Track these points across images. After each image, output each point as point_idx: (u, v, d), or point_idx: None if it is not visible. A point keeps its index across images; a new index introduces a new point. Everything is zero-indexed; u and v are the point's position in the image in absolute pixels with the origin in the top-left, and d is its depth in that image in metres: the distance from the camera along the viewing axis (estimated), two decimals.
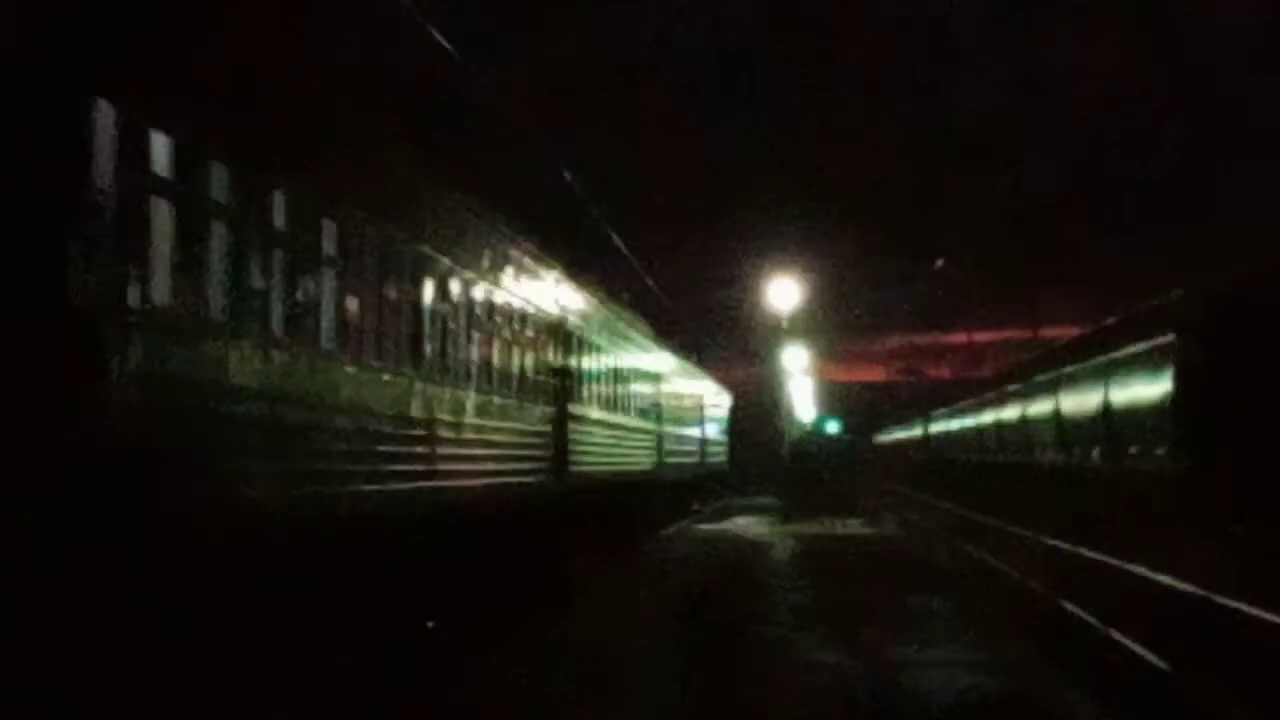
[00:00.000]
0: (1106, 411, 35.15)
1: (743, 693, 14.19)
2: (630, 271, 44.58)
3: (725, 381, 70.24)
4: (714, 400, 63.56)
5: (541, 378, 24.53)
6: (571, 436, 26.97)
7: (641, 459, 38.71)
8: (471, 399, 19.55)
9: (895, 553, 31.52)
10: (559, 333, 26.20)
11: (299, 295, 12.99)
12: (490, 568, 20.31)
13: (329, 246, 13.86)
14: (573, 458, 27.08)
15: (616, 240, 40.52)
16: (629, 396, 36.32)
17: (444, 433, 17.88)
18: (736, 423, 73.51)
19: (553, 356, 25.60)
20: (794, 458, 54.59)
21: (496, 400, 21.04)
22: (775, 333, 57.54)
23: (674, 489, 47.19)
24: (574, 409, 27.44)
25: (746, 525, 43.32)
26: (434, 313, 17.49)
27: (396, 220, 16.02)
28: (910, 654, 16.30)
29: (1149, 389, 31.71)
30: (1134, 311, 35.39)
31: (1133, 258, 52.89)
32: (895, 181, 64.20)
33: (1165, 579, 23.17)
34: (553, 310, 25.73)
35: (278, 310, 12.46)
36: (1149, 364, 31.82)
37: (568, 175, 33.68)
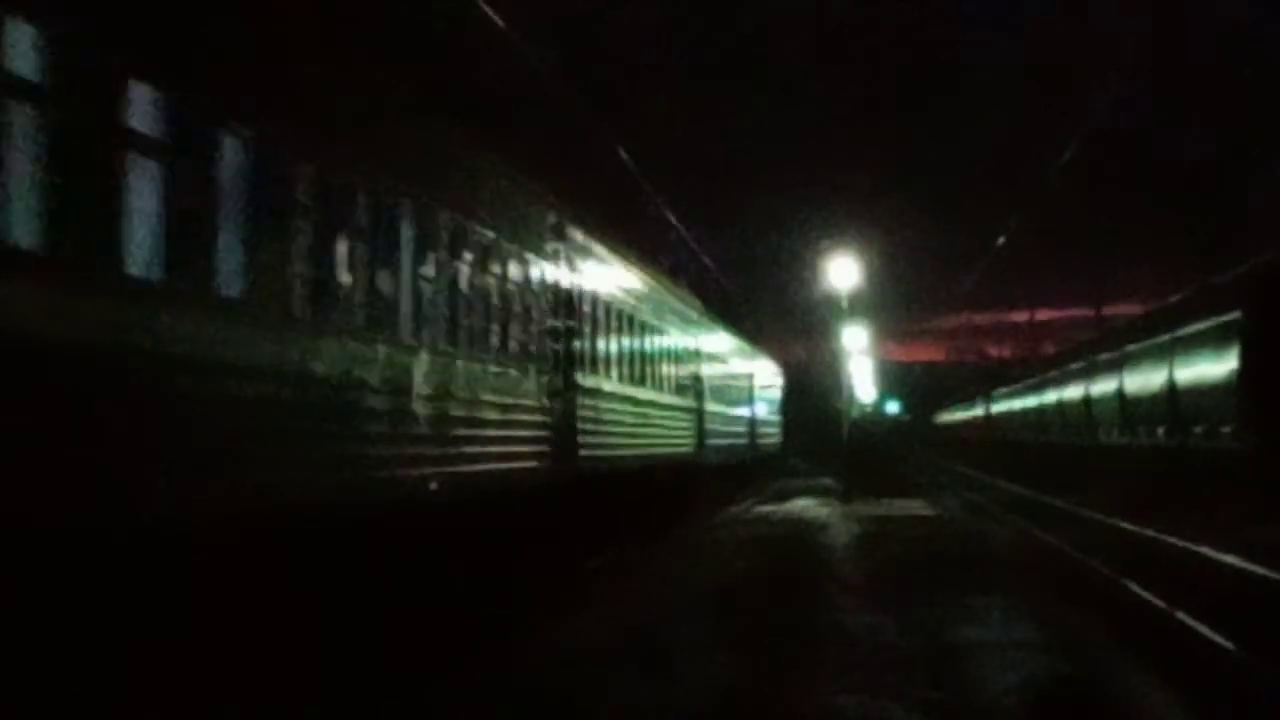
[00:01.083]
0: (1171, 390, 34.77)
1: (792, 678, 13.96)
2: (689, 252, 44.42)
3: (781, 360, 68.14)
4: (767, 379, 59.69)
5: (536, 340, 20.18)
6: (582, 413, 22.86)
7: (678, 440, 34.79)
8: (420, 360, 15.23)
9: (957, 534, 31.19)
10: (558, 290, 21.69)
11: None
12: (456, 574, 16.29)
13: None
14: (584, 438, 22.94)
15: (672, 218, 40.33)
16: (662, 370, 32.31)
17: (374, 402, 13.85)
18: (792, 403, 70.69)
19: (553, 317, 21.17)
20: (854, 438, 54.22)
21: (462, 364, 16.69)
22: (835, 311, 57.13)
23: (720, 473, 42.99)
24: (583, 380, 23.22)
25: (805, 508, 42.99)
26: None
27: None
28: (972, 635, 16.04)
29: (1214, 367, 31.34)
30: (1199, 288, 34.98)
31: (1198, 234, 52.38)
32: (957, 158, 63.80)
33: (1231, 559, 22.82)
34: (548, 260, 21.13)
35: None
36: (1214, 341, 31.44)
37: (624, 154, 33.51)
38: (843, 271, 47.84)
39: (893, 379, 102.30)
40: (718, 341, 43.36)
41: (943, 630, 16.36)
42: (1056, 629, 16.75)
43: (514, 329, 18.98)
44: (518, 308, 19.25)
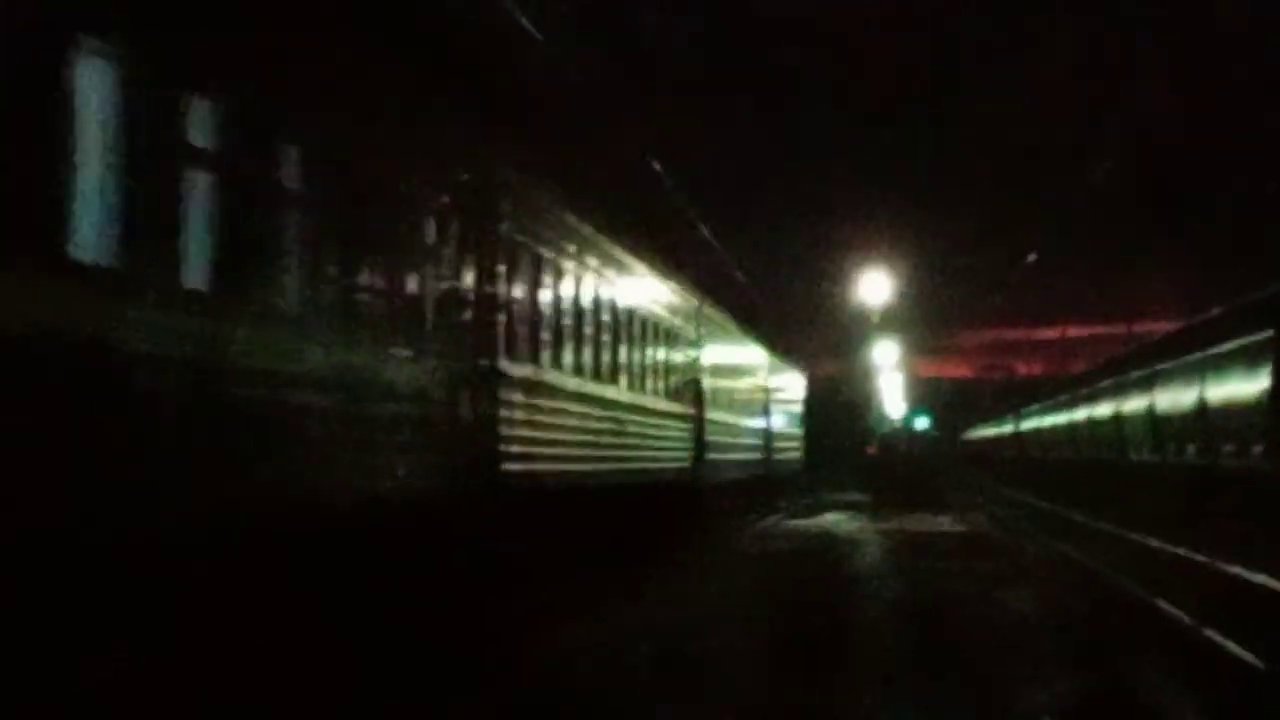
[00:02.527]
0: (1202, 409, 34.71)
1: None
2: (718, 262, 44.30)
3: (807, 372, 65.30)
4: (789, 389, 55.16)
5: (435, 311, 14.94)
6: (508, 413, 17.40)
7: (668, 452, 29.37)
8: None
9: (987, 551, 31.19)
10: (474, 240, 16.25)
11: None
12: None
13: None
14: (511, 446, 17.54)
15: (705, 232, 40.34)
16: (645, 368, 26.90)
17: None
18: (816, 417, 67.37)
19: (467, 282, 15.98)
20: (883, 454, 54.15)
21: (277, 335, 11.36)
22: (865, 326, 57.07)
23: (725, 494, 37.60)
24: (513, 369, 17.77)
25: (835, 522, 42.97)
26: None
27: None
28: (1004, 655, 16.07)
29: (1245, 386, 31.27)
30: (1231, 306, 34.94)
31: (1230, 251, 52.30)
32: (988, 174, 63.77)
33: (1262, 579, 22.79)
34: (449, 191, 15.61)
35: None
36: (1246, 360, 31.37)
37: (657, 165, 33.55)
38: (874, 286, 47.94)
39: (922, 395, 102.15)
40: (727, 343, 38.55)
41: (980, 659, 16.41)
42: (1086, 644, 16.78)
43: (384, 292, 13.64)
44: (390, 264, 13.79)
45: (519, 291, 18.36)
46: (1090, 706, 13.43)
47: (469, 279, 16.01)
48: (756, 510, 44.10)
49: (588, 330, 22.28)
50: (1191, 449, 36.18)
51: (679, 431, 30.85)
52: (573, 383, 21.19)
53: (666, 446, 29.39)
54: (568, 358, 20.91)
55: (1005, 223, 62.18)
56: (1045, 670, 15.01)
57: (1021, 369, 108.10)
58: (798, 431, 59.44)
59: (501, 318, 17.45)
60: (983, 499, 60.99)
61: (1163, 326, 54.31)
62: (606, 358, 23.55)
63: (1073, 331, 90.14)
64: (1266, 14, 39.60)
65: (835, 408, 75.64)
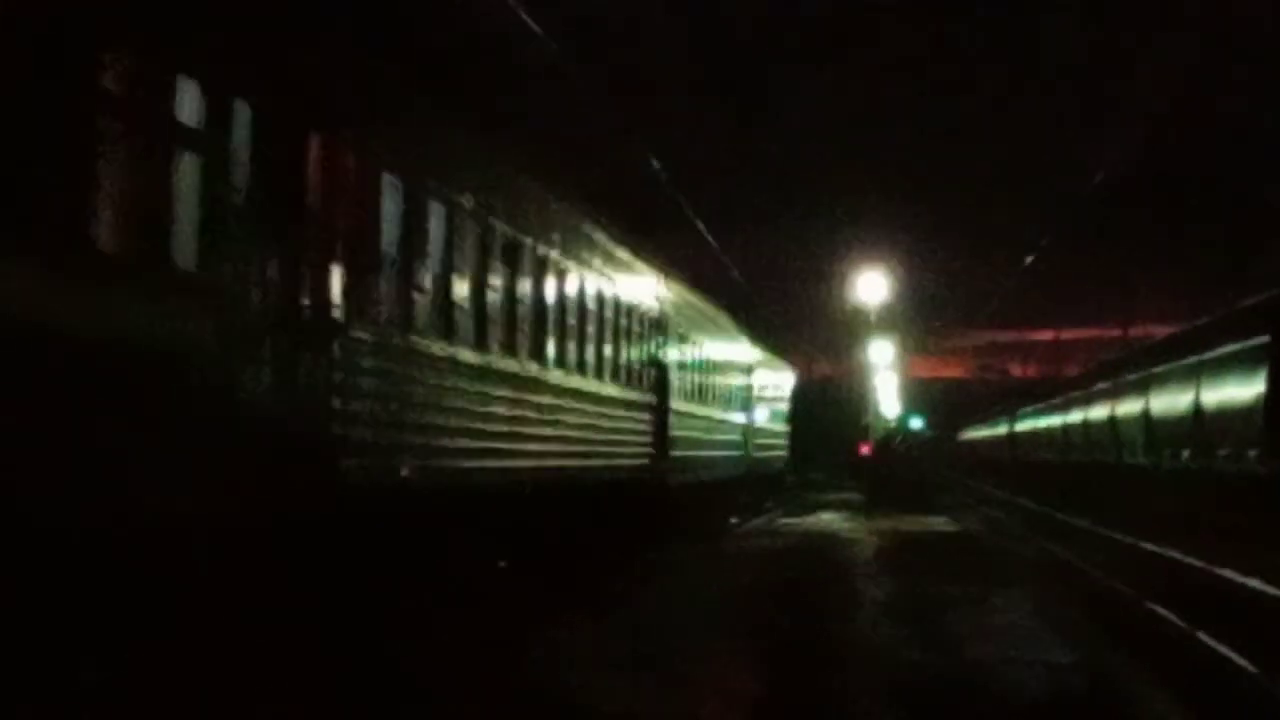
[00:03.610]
0: (1197, 412, 34.74)
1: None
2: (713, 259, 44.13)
3: (797, 368, 64.23)
4: (773, 384, 51.77)
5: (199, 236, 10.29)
6: (350, 380, 12.85)
7: (622, 447, 25.09)
8: None
9: (980, 550, 31.20)
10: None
11: None
12: None
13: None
14: (352, 428, 12.90)
15: (701, 227, 40.29)
16: (582, 341, 22.28)
17: None
18: (805, 415, 65.67)
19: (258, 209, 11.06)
20: (878, 454, 54.17)
21: None
22: (861, 326, 57.06)
23: (695, 495, 33.41)
24: (360, 331, 13.18)
25: (826, 523, 42.95)
26: None
27: None
28: (993, 652, 16.07)
29: (1241, 390, 31.31)
30: (1227, 311, 34.97)
31: (1226, 256, 52.32)
32: (986, 176, 63.76)
33: (1255, 583, 22.81)
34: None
35: None
36: (1242, 364, 31.42)
37: (655, 163, 33.55)
38: (871, 286, 47.91)
39: (916, 395, 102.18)
40: (700, 327, 34.56)
41: (963, 646, 16.41)
42: (1077, 646, 16.78)
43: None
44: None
45: (378, 222, 13.47)
46: (1085, 709, 13.45)
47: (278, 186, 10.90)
48: (736, 513, 40.91)
49: (495, 288, 17.61)
50: (1186, 452, 36.20)
51: (635, 423, 26.25)
52: (470, 356, 16.71)
53: (618, 440, 24.58)
54: (464, 322, 16.46)
55: (1002, 225, 62.20)
56: (1037, 672, 15.00)
57: (1016, 371, 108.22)
58: (783, 429, 55.92)
59: (340, 250, 12.33)
60: (975, 500, 60.98)
61: (1159, 330, 54.33)
62: (527, 328, 19.00)
63: (1068, 334, 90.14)
64: (1266, 14, 39.62)
65: (827, 406, 75.57)
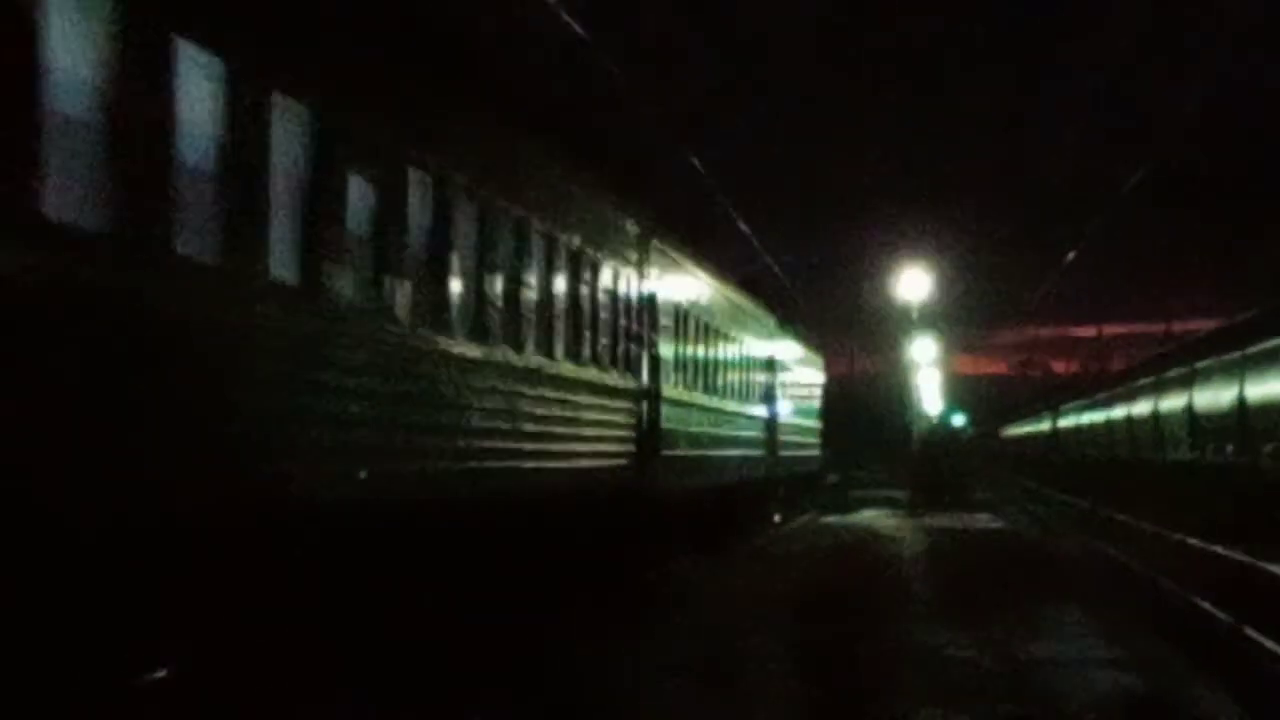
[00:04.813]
0: (1241, 407, 34.71)
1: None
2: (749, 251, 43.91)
3: (833, 362, 60.26)
4: (803, 375, 46.77)
5: None
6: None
7: (591, 446, 19.77)
8: None
9: (1024, 547, 31.26)
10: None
11: None
12: None
13: None
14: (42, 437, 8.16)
15: (743, 226, 40.34)
16: (538, 309, 17.38)
17: None
18: (842, 411, 62.95)
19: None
20: (921, 451, 54.20)
21: None
22: (903, 323, 56.99)
23: (697, 504, 28.18)
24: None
25: (871, 519, 42.94)
26: None
27: None
28: (1041, 650, 16.16)
29: None
30: (1271, 306, 34.92)
31: (1271, 250, 52.21)
32: (1027, 172, 63.73)
33: None
34: None
35: None
36: None
37: (695, 161, 33.64)
38: (913, 282, 47.87)
39: (959, 392, 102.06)
40: (703, 300, 28.97)
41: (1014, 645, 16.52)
42: (1125, 643, 16.86)
43: None
44: None
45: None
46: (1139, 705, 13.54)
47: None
48: (759, 521, 36.53)
49: (383, 225, 12.87)
50: (1230, 448, 36.18)
51: (611, 414, 20.98)
52: (373, 327, 12.54)
53: (586, 435, 19.50)
54: (337, 273, 11.90)
55: (1045, 221, 62.16)
56: (1089, 670, 15.10)
57: (1058, 367, 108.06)
58: (815, 424, 50.51)
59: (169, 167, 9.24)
60: (1019, 496, 60.97)
61: (1202, 326, 54.24)
62: (434, 283, 14.12)
63: (1110, 330, 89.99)
64: None
65: (866, 402, 75.32)
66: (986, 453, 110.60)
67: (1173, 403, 43.57)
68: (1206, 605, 20.20)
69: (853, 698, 13.38)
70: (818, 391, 51.69)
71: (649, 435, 23.33)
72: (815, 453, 50.68)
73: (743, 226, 40.79)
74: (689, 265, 27.58)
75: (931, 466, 52.20)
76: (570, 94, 29.73)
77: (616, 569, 21.52)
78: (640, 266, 23.32)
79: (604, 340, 20.58)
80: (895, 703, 13.20)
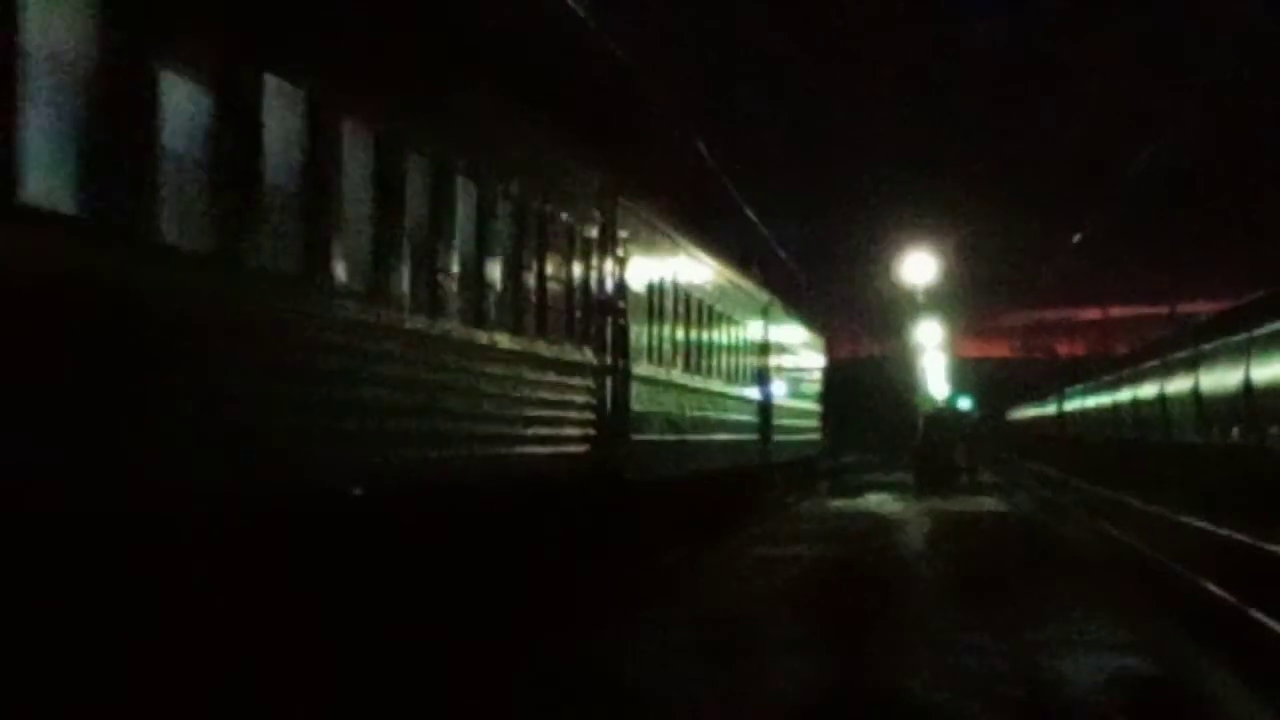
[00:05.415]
0: (1247, 389, 34.71)
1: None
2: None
3: (833, 342, 59.07)
4: (800, 354, 44.82)
5: None
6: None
7: (548, 430, 17.30)
8: None
9: (1030, 532, 31.26)
10: None
11: None
12: None
13: None
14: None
15: (750, 213, 40.32)
16: (450, 267, 14.35)
17: None
18: (843, 394, 62.22)
19: None
20: (925, 434, 54.20)
21: None
22: (908, 306, 56.95)
23: (677, 495, 25.36)
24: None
25: (879, 503, 42.91)
26: None
27: None
28: (1050, 634, 16.16)
29: None
30: (1277, 288, 34.91)
31: (1276, 233, 52.20)
32: (1032, 155, 63.68)
33: None
34: None
35: None
36: None
37: (702, 148, 33.61)
38: (918, 266, 47.84)
39: (965, 375, 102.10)
40: (689, 270, 26.81)
41: (1017, 626, 16.53)
42: (1135, 626, 16.88)
43: None
44: None
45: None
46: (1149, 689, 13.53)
47: None
48: (747, 511, 33.49)
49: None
50: (1236, 430, 36.20)
51: (563, 394, 18.12)
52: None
53: (540, 417, 16.98)
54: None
55: (1050, 204, 62.13)
56: (1099, 654, 15.11)
57: (1063, 349, 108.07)
58: (814, 408, 48.59)
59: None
60: (1025, 479, 60.98)
61: (1207, 308, 54.23)
62: (342, 232, 11.82)
63: (1115, 312, 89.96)
64: None
65: (868, 385, 75.26)
66: (992, 436, 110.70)
67: (1179, 385, 43.57)
68: (1213, 587, 20.20)
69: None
70: (817, 374, 49.84)
71: (616, 417, 20.50)
72: (814, 437, 48.72)
73: (748, 213, 40.79)
74: (666, 229, 24.80)
75: (936, 450, 52.16)
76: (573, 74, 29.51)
77: (567, 568, 18.39)
78: (606, 228, 20.49)
79: (554, 311, 17.69)
80: (906, 684, 13.22)
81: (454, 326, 14.26)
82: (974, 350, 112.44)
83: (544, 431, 17.16)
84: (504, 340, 15.70)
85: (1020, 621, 16.84)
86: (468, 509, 14.49)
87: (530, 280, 16.82)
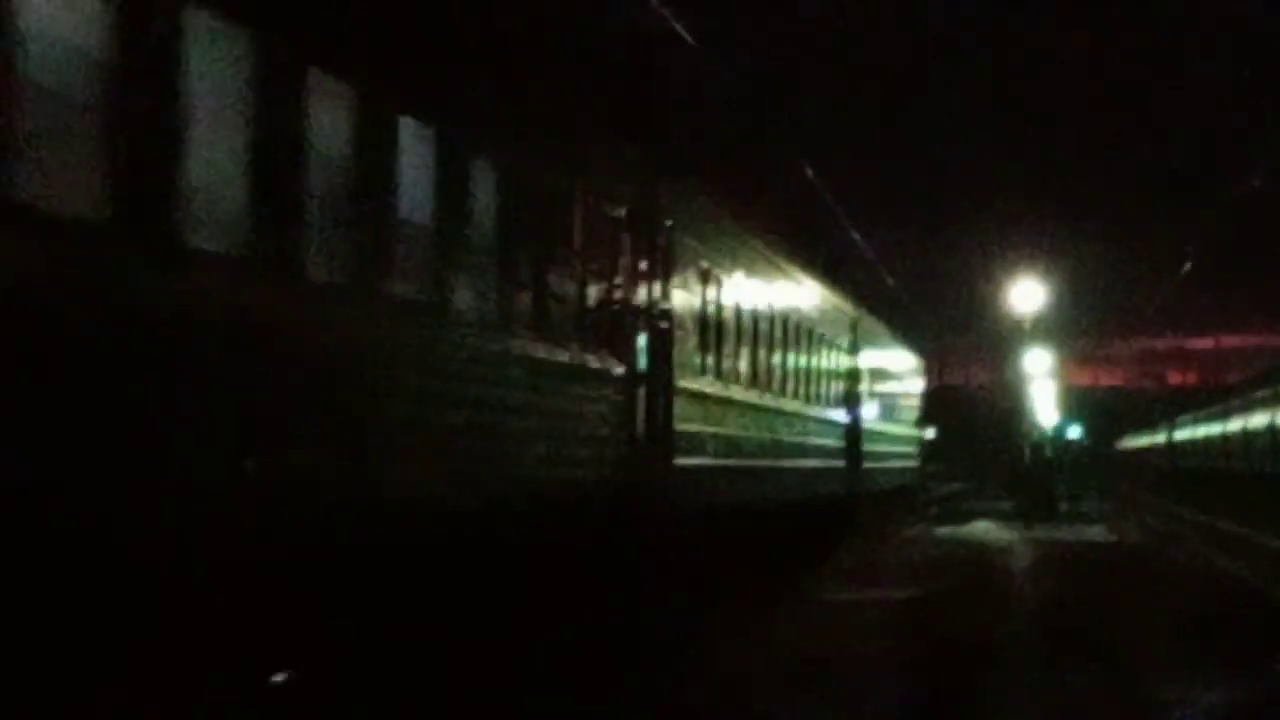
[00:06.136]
0: None
1: None
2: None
3: (927, 359, 54.00)
4: (898, 374, 41.84)
5: None
6: None
7: (566, 447, 14.28)
8: None
9: (1139, 563, 30.95)
10: None
11: None
12: None
13: None
14: None
15: (856, 236, 40.15)
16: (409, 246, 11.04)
17: None
18: (954, 423, 61.83)
19: None
20: (1034, 464, 53.78)
21: None
22: (1016, 334, 56.54)
23: (729, 542, 20.29)
24: None
25: (985, 530, 42.54)
26: None
27: None
28: (1167, 680, 15.93)
29: None
30: None
31: None
32: (1142, 180, 63.20)
33: None
34: None
35: None
36: None
37: (810, 172, 33.54)
38: (1026, 294, 47.45)
39: (1074, 403, 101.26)
40: (757, 277, 23.21)
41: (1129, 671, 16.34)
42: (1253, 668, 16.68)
43: None
44: None
45: None
46: None
47: None
48: (833, 545, 29.29)
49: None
50: None
51: (580, 406, 14.61)
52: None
53: (521, 431, 13.03)
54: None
55: (1161, 230, 61.59)
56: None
57: (1175, 378, 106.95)
58: (912, 433, 45.27)
59: None
60: (1135, 508, 60.40)
61: None
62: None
63: (1227, 341, 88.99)
64: None
65: (979, 414, 74.74)
66: (1103, 464, 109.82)
67: None
68: None
69: None
70: (916, 398, 46.61)
71: (651, 437, 16.96)
72: (911, 464, 45.26)
73: (854, 235, 40.65)
74: (725, 224, 21.30)
75: (1040, 479, 51.73)
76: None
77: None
78: (640, 212, 16.75)
79: (558, 305, 14.02)
80: None
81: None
82: (1085, 379, 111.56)
83: (534, 450, 13.34)
84: (474, 339, 12.17)
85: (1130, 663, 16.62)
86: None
87: (532, 272, 13.43)
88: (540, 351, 13.50)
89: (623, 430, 16.08)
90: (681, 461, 18.33)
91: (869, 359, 35.71)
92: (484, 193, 12.38)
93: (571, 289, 14.48)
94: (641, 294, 16.92)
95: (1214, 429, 61.89)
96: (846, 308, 33.34)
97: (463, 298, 11.88)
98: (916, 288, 55.47)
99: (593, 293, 15.11)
